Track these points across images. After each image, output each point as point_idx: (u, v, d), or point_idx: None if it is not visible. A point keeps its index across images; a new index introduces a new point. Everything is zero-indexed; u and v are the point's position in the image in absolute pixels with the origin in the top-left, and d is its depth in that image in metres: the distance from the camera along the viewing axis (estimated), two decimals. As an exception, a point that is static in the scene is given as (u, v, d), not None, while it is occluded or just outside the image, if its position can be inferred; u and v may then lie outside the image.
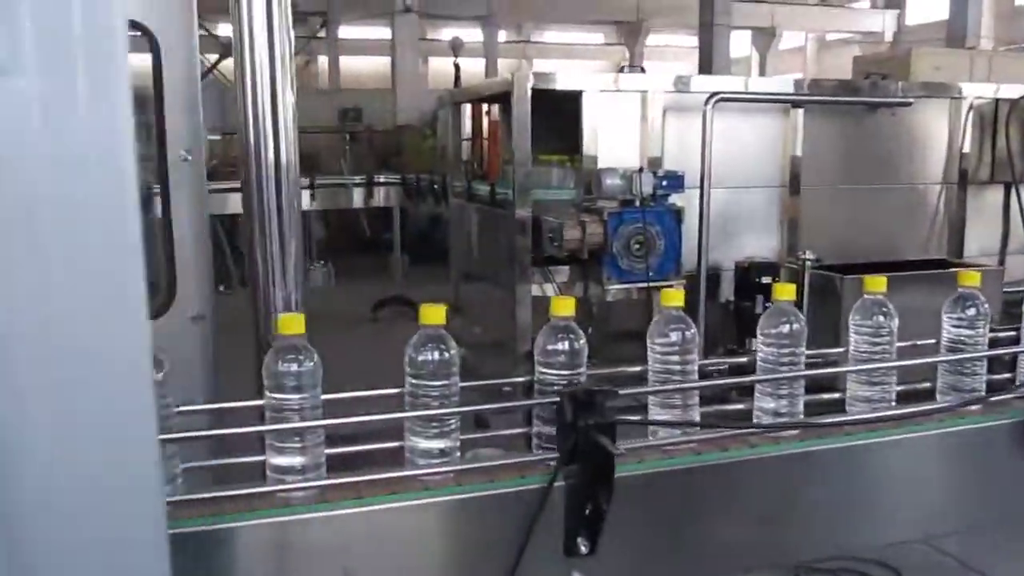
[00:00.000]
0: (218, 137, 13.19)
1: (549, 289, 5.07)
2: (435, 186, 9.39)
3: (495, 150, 7.06)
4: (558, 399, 1.54)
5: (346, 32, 21.29)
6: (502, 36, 22.78)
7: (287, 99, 2.20)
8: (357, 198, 11.05)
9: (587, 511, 1.49)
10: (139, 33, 2.64)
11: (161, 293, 2.93)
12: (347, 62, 21.75)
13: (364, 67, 21.33)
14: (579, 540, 1.50)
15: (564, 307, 1.66)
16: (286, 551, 1.49)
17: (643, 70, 5.43)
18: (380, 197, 11.03)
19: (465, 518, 1.54)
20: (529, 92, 4.82)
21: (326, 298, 11.09)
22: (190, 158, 2.80)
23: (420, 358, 1.56)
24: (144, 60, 2.65)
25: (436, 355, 1.56)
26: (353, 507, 1.48)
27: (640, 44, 23.08)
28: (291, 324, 1.52)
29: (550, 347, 1.63)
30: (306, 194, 10.77)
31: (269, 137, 2.19)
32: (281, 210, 2.21)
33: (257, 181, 2.20)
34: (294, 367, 1.50)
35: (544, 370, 1.63)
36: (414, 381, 1.57)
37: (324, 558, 1.47)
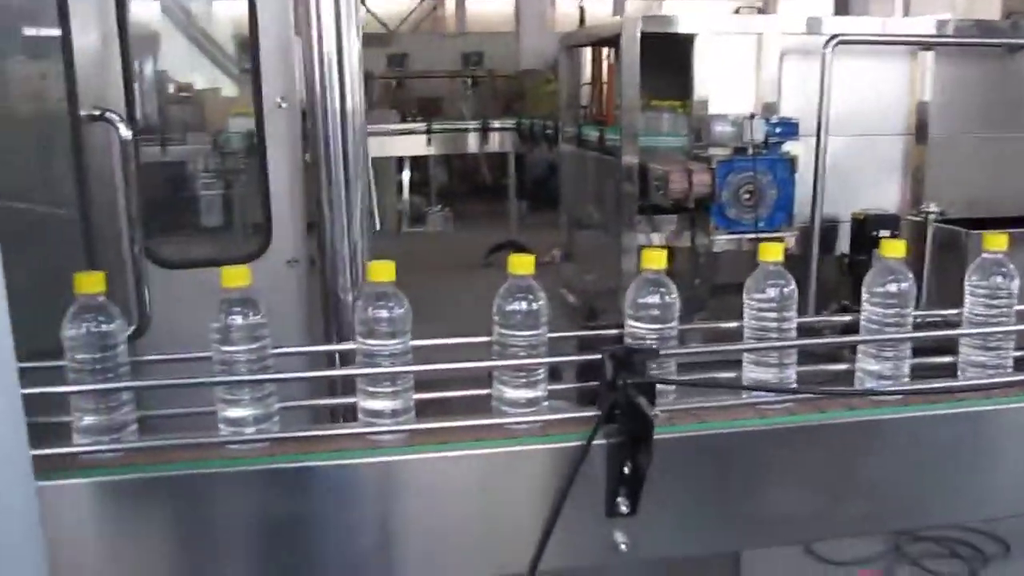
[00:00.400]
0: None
1: (656, 238, 4.97)
2: (548, 131, 9.31)
3: (612, 95, 6.93)
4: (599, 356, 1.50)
5: (470, -25, 21.18)
6: (631, -23, 22.20)
7: (352, 44, 2.21)
8: (472, 143, 11.05)
9: (626, 471, 1.46)
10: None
11: (257, 237, 2.99)
12: (473, 5, 21.66)
13: (490, 10, 21.19)
14: (619, 500, 1.48)
15: (655, 259, 1.62)
16: (374, 491, 1.54)
17: (761, 11, 5.17)
18: (495, 142, 11.00)
19: (502, 472, 1.55)
20: (638, 35, 4.68)
21: (443, 242, 11.27)
22: (285, 105, 2.84)
23: (508, 308, 1.56)
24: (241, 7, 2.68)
25: (524, 305, 1.55)
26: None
27: (775, -17, 22.10)
28: (381, 271, 1.53)
29: (640, 300, 1.60)
30: (423, 139, 10.88)
31: (335, 83, 2.20)
32: (347, 157, 2.22)
33: (323, 128, 2.21)
34: (384, 313, 1.52)
35: (634, 323, 1.59)
36: (502, 331, 1.57)
37: (409, 499, 1.53)
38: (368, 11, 19.48)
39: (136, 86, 9.48)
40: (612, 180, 5.16)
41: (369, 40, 17.38)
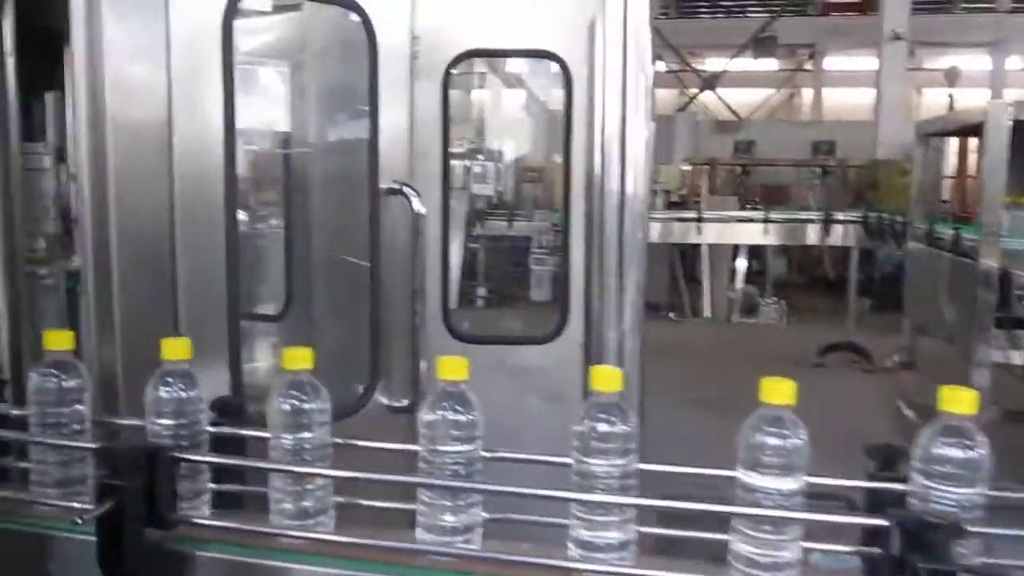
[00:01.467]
0: (688, 168, 13.47)
1: (1016, 356, 4.28)
2: (897, 227, 8.59)
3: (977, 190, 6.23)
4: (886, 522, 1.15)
5: (832, 63, 20.54)
6: (1014, 63, 20.27)
7: (638, 131, 2.08)
8: (812, 235, 10.48)
9: None
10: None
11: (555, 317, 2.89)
12: (830, 94, 20.98)
13: (847, 99, 20.39)
14: None
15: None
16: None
17: None
18: (838, 235, 10.34)
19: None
20: (1008, 121, 4.11)
21: (774, 336, 10.72)
22: None
23: (937, 452, 1.21)
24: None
25: (960, 453, 1.21)
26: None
27: None
28: (778, 392, 1.25)
29: None
30: (759, 227, 10.51)
31: (614, 166, 2.07)
32: (623, 244, 2.06)
33: (600, 212, 2.08)
34: (777, 442, 1.24)
35: None
36: (926, 483, 1.23)
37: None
38: (720, 99, 19.50)
39: (494, 165, 10.04)
40: (967, 285, 4.59)
41: (719, 127, 17.44)
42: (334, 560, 1.37)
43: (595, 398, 1.32)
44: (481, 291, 10.87)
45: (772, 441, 1.23)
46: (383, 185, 2.36)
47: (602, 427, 1.30)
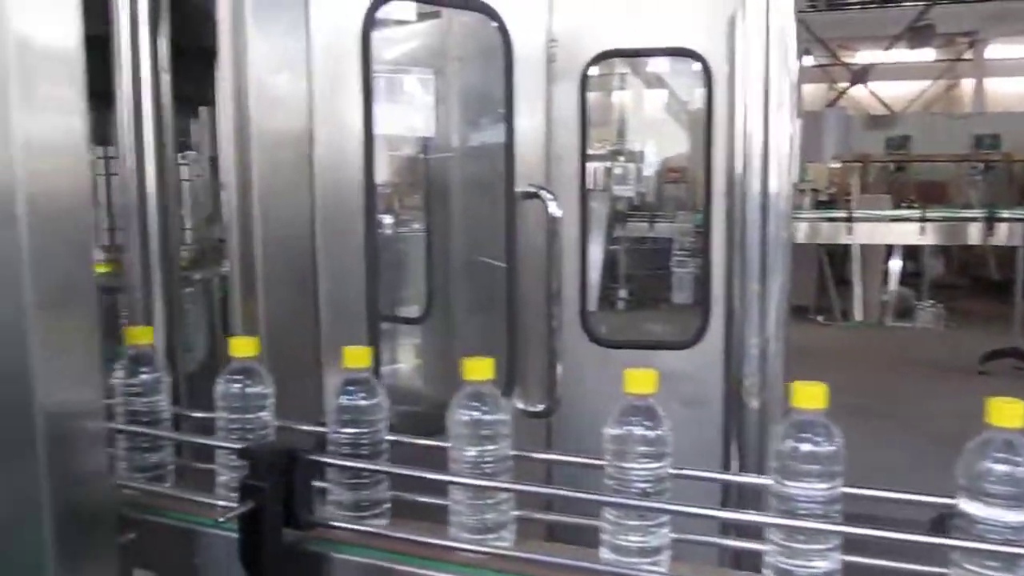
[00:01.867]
0: (838, 165, 12.98)
1: None
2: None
3: None
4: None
5: (994, 51, 19.36)
6: None
7: (781, 129, 2.00)
8: (974, 234, 9.86)
9: None
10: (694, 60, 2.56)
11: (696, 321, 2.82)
12: (993, 84, 19.80)
13: (1013, 89, 19.19)
14: None
15: None
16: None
17: None
18: (1003, 234, 9.68)
19: None
20: None
21: (932, 341, 10.21)
22: None
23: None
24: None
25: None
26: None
27: None
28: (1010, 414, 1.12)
29: None
30: (915, 227, 9.99)
31: (756, 167, 1.99)
32: (765, 245, 1.97)
33: (742, 213, 2.00)
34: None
35: None
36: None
37: None
38: (872, 93, 18.70)
39: (635, 166, 9.99)
40: None
41: (871, 122, 16.71)
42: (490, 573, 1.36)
43: (796, 415, 1.23)
44: (622, 293, 10.81)
45: (1000, 468, 1.12)
46: (520, 189, 2.36)
47: (805, 447, 1.22)
